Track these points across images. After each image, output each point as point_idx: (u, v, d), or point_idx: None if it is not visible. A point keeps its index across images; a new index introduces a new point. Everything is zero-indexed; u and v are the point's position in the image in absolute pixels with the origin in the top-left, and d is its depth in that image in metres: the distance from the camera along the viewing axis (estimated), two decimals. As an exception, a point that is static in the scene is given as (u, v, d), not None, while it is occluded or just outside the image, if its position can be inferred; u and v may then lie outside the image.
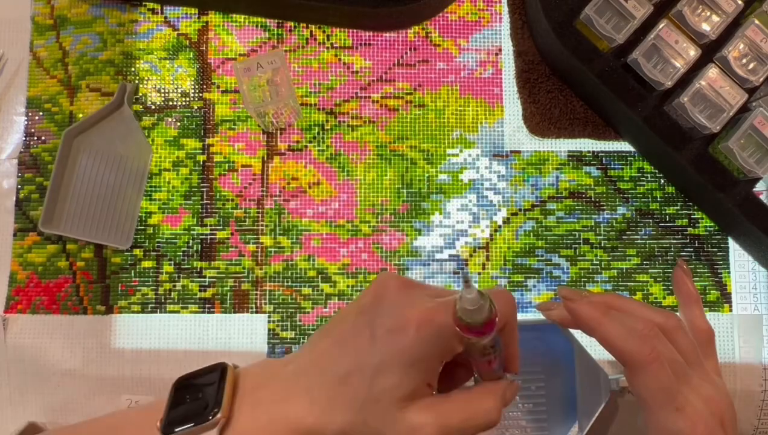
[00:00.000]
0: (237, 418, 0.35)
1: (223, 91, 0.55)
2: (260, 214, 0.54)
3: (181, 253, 0.54)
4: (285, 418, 0.34)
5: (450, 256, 0.54)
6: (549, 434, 0.52)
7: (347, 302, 0.54)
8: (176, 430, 0.34)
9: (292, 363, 0.36)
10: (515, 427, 0.52)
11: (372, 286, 0.36)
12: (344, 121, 0.55)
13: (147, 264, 0.53)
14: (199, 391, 0.36)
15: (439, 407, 0.34)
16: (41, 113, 0.55)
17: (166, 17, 0.56)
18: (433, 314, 0.33)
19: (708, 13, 0.50)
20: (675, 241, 0.55)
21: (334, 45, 0.56)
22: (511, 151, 0.56)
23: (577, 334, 0.49)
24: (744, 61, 0.50)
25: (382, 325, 0.33)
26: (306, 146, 0.55)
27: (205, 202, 0.54)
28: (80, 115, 0.55)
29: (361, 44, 0.56)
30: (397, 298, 0.34)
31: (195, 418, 0.34)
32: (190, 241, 0.54)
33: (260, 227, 0.54)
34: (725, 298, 0.55)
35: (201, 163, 0.54)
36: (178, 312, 0.53)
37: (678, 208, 0.55)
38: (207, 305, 0.53)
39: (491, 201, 0.55)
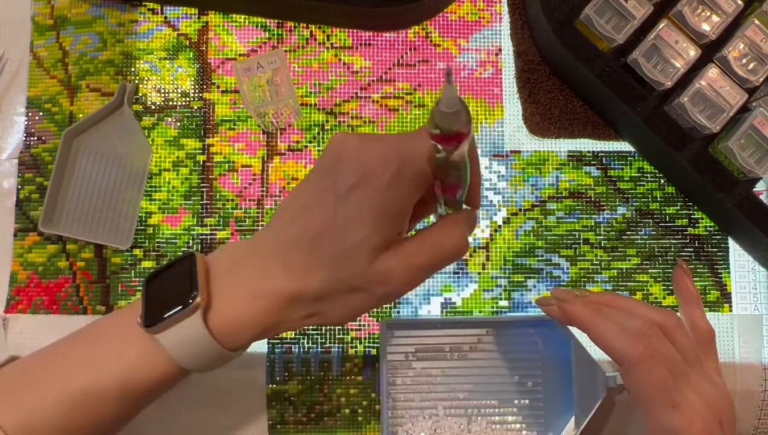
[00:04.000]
0: (216, 299, 0.35)
1: (223, 91, 0.55)
2: (260, 214, 0.54)
3: (181, 254, 0.54)
4: (264, 290, 0.34)
5: (450, 256, 0.54)
6: (546, 430, 0.52)
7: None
8: (158, 323, 0.34)
9: (261, 239, 0.36)
10: (511, 423, 0.52)
11: (329, 147, 0.35)
12: (344, 121, 0.55)
13: (147, 264, 0.53)
14: (173, 282, 0.36)
15: (405, 249, 0.34)
16: (41, 113, 0.55)
17: (166, 17, 0.56)
18: (393, 151, 0.33)
19: (708, 13, 0.50)
20: (675, 241, 0.55)
21: (334, 45, 0.56)
22: (511, 151, 0.56)
23: (576, 330, 0.49)
24: (744, 61, 0.50)
25: (345, 181, 0.33)
26: (306, 146, 0.55)
27: (205, 202, 0.54)
28: (80, 115, 0.55)
29: (361, 44, 0.56)
30: (355, 153, 0.33)
31: (174, 307, 0.34)
32: (190, 241, 0.54)
33: (260, 227, 0.54)
34: (725, 298, 0.55)
35: (201, 163, 0.55)
36: (178, 312, 0.53)
37: (678, 208, 0.55)
38: (207, 305, 0.53)
39: (491, 201, 0.55)
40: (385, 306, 0.53)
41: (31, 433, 0.34)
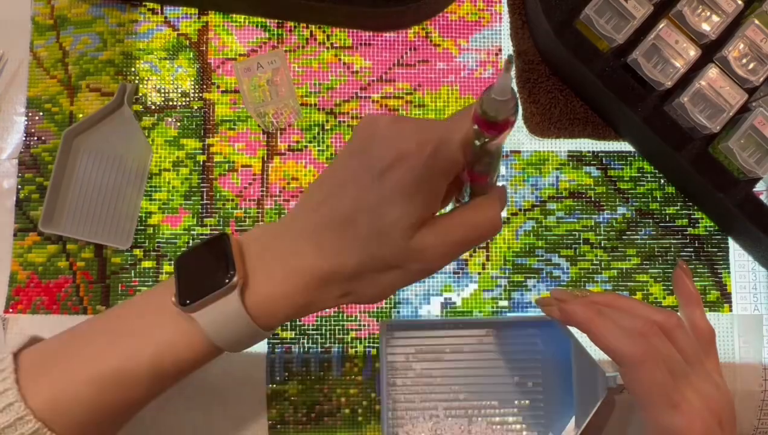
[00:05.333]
0: (252, 279, 0.35)
1: (223, 91, 0.55)
2: (260, 214, 0.54)
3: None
4: (300, 270, 0.35)
5: (450, 256, 0.54)
6: (546, 430, 0.52)
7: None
8: (195, 302, 0.34)
9: (293, 219, 0.36)
10: (512, 423, 0.52)
11: (360, 128, 0.35)
12: (344, 121, 0.55)
13: (147, 264, 0.53)
14: (207, 261, 0.36)
15: (441, 226, 0.34)
16: (41, 113, 0.55)
17: (166, 17, 0.56)
18: (429, 135, 0.33)
19: (708, 13, 0.50)
20: (675, 241, 0.55)
21: (334, 45, 0.56)
22: (511, 151, 0.56)
23: (576, 331, 0.49)
24: (744, 61, 0.50)
25: (380, 161, 0.33)
26: (306, 146, 0.55)
27: (205, 202, 0.54)
28: (80, 115, 0.55)
29: (361, 44, 0.56)
30: (389, 133, 0.34)
31: (211, 286, 0.34)
32: (190, 241, 0.54)
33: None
34: (725, 298, 0.55)
35: (201, 163, 0.55)
36: (178, 312, 0.53)
37: (678, 208, 0.55)
38: (207, 305, 0.53)
39: (491, 201, 0.55)
40: (385, 306, 0.53)
41: (60, 414, 0.34)
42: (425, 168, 0.33)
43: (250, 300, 0.35)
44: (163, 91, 0.55)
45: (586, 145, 0.56)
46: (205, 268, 0.35)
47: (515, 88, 0.29)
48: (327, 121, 0.55)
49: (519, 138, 0.56)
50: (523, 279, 0.54)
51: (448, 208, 0.38)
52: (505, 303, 0.54)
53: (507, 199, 0.38)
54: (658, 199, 0.55)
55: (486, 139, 0.31)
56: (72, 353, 0.36)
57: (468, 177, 0.35)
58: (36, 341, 0.38)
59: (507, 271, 0.54)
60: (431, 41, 0.56)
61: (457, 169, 0.34)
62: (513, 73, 0.55)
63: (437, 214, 0.35)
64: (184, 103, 0.55)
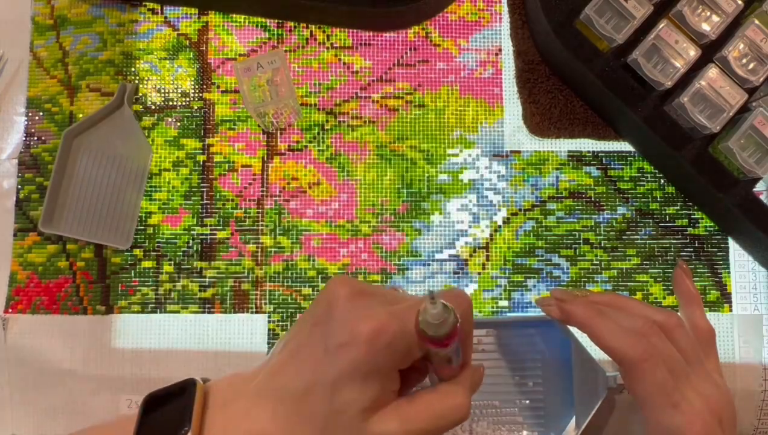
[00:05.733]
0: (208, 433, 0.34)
1: (223, 91, 0.55)
2: (260, 214, 0.54)
3: (181, 253, 0.54)
4: (252, 434, 0.34)
5: (450, 256, 0.54)
6: (547, 430, 0.52)
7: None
8: None
9: (256, 377, 0.36)
10: (512, 423, 0.52)
11: (323, 293, 0.35)
12: (344, 121, 0.55)
13: (147, 264, 0.53)
14: (168, 409, 0.35)
15: (404, 412, 0.33)
16: (41, 113, 0.55)
17: (166, 17, 0.56)
18: (385, 326, 0.32)
19: (708, 13, 0.50)
20: (675, 241, 0.55)
21: (334, 45, 0.56)
22: (511, 151, 0.56)
23: (576, 330, 0.49)
24: (744, 61, 0.50)
25: (334, 338, 0.32)
26: (306, 146, 0.55)
27: (205, 202, 0.54)
28: (80, 115, 0.55)
29: (361, 44, 0.56)
30: (347, 309, 0.33)
31: None
32: (190, 241, 0.54)
33: (260, 227, 0.54)
34: (725, 298, 0.55)
35: (201, 163, 0.54)
36: (178, 312, 0.53)
37: (678, 208, 0.55)
38: (207, 305, 0.53)
39: (491, 201, 0.55)
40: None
41: None
42: (377, 357, 0.32)
43: None
44: (163, 91, 0.55)
45: (586, 145, 0.56)
46: (165, 418, 0.35)
47: (446, 305, 0.29)
48: (327, 121, 0.55)
49: (519, 138, 0.56)
50: (523, 279, 0.54)
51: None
52: (505, 303, 0.54)
53: (482, 378, 0.38)
54: (658, 199, 0.55)
55: (435, 351, 0.31)
56: None
57: (432, 370, 0.35)
58: None
59: (507, 271, 0.54)
60: (431, 41, 0.56)
61: (413, 359, 0.33)
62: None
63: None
64: (184, 103, 0.55)
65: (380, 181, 0.55)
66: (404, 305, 0.33)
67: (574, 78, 0.54)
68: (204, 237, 0.54)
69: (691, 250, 0.55)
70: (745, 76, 0.50)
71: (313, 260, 0.54)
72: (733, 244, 0.55)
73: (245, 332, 0.53)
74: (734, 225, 0.54)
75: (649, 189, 0.56)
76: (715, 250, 0.55)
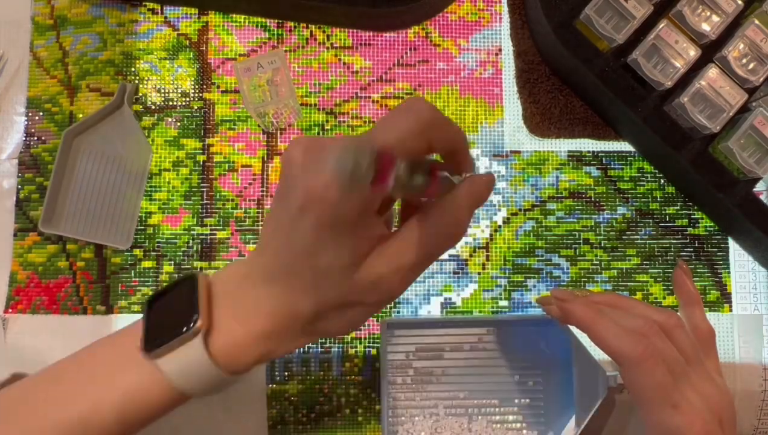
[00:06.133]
0: (218, 323, 0.34)
1: (223, 91, 0.55)
2: (260, 214, 0.54)
3: (181, 253, 0.54)
4: (260, 314, 0.34)
5: (450, 256, 0.54)
6: (546, 429, 0.52)
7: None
8: (158, 348, 0.33)
9: (252, 261, 0.35)
10: (512, 422, 0.52)
11: (282, 159, 0.32)
12: (344, 121, 0.55)
13: (147, 264, 0.53)
14: (175, 304, 0.35)
15: (391, 249, 0.32)
16: (41, 113, 0.55)
17: (166, 17, 0.56)
18: (334, 175, 0.27)
19: (708, 13, 0.50)
20: (675, 241, 0.55)
21: (334, 45, 0.56)
22: (511, 151, 0.56)
23: (576, 330, 0.50)
24: (744, 61, 0.50)
25: (294, 203, 0.30)
26: (306, 146, 0.55)
27: (205, 202, 0.54)
28: (80, 115, 0.55)
29: (361, 44, 0.56)
30: (300, 170, 0.30)
31: (175, 330, 0.33)
32: (190, 241, 0.54)
33: (260, 227, 0.54)
34: (725, 298, 0.55)
35: (201, 163, 0.54)
36: (178, 312, 0.53)
37: (678, 208, 0.55)
38: (207, 305, 0.53)
39: (491, 201, 0.55)
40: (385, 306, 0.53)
41: None
42: (337, 208, 0.30)
43: (215, 346, 0.33)
44: (163, 91, 0.55)
45: (586, 145, 0.56)
46: (172, 312, 0.34)
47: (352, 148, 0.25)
48: (327, 121, 0.55)
49: (519, 138, 0.56)
50: (523, 279, 0.54)
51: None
52: (505, 303, 0.54)
53: (489, 187, 0.33)
54: (658, 199, 0.55)
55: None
56: (42, 397, 0.35)
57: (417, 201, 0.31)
58: (18, 378, 0.38)
59: (507, 271, 0.54)
60: (431, 41, 0.56)
61: (378, 202, 0.31)
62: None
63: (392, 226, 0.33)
64: (184, 103, 0.55)
65: (380, 181, 0.55)
66: (362, 136, 0.31)
67: (574, 78, 0.54)
68: (204, 237, 0.54)
69: (691, 250, 0.55)
70: (745, 76, 0.50)
71: (313, 260, 0.54)
72: (733, 244, 0.55)
73: (245, 332, 0.53)
74: (734, 225, 0.54)
75: (649, 189, 0.56)
76: (715, 250, 0.55)
